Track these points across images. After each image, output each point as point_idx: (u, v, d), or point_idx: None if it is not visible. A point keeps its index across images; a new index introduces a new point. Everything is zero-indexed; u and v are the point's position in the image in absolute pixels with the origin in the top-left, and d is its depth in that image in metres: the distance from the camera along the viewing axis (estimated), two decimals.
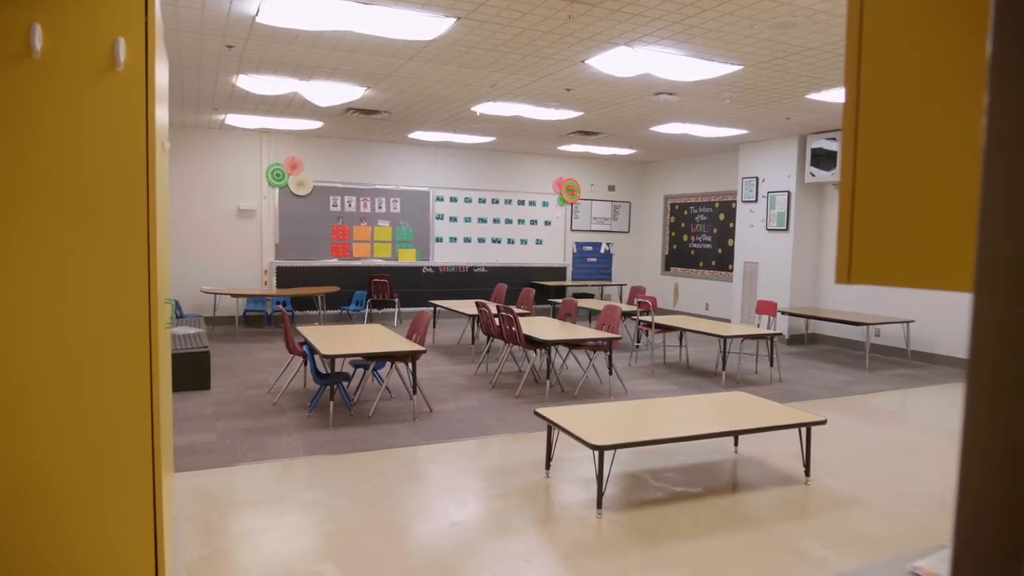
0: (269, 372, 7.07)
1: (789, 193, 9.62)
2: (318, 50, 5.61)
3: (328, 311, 10.79)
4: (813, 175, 9.23)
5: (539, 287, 12.14)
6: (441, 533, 3.41)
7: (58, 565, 2.22)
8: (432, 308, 10.19)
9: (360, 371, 6.43)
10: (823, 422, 4.10)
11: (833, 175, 8.96)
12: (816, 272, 9.86)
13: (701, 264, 11.88)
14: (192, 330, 7.22)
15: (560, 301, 8.79)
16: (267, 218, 10.41)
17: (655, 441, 3.62)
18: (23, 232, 2.12)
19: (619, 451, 4.65)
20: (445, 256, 11.64)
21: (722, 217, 11.40)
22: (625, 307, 8.29)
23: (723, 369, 7.13)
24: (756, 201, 10.16)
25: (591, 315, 11.29)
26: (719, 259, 11.47)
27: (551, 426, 4.03)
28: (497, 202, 12.00)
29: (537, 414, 4.07)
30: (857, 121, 0.82)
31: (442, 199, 11.56)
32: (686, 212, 12.19)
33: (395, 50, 5.57)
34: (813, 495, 4.05)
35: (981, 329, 0.43)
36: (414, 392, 5.71)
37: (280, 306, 10.18)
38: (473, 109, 7.98)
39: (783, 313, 8.90)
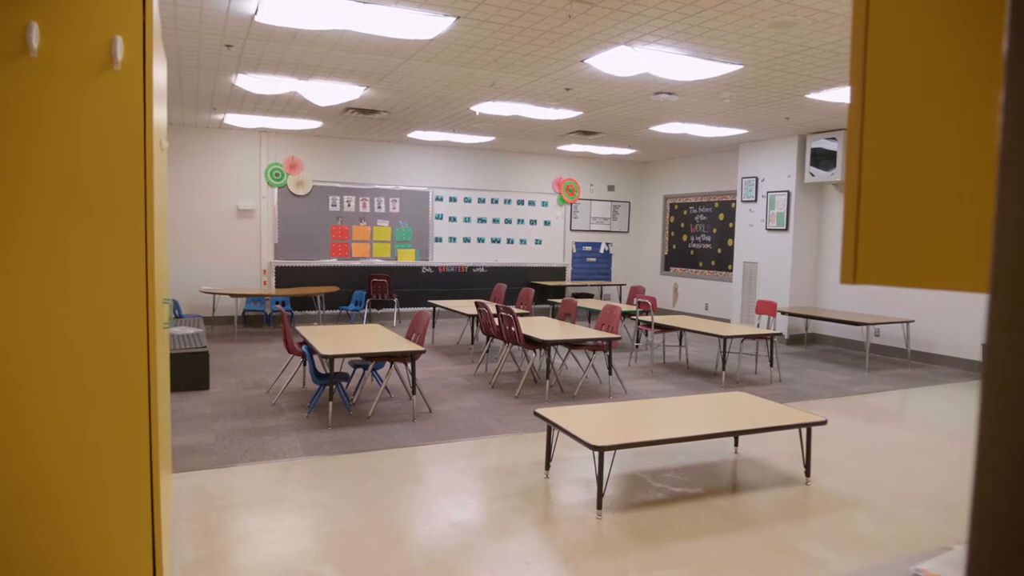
0: (268, 372, 7.06)
1: (789, 193, 9.61)
2: (317, 49, 5.60)
3: (327, 311, 10.78)
4: (813, 175, 9.23)
5: (538, 287, 12.13)
6: (440, 534, 3.40)
7: (55, 565, 2.21)
8: (431, 308, 10.19)
9: (359, 371, 6.42)
10: (823, 422, 4.09)
11: (833, 175, 8.96)
12: (816, 272, 9.85)
13: (701, 264, 11.87)
14: (191, 330, 7.21)
15: (560, 301, 8.78)
16: (266, 218, 10.40)
17: (655, 442, 3.61)
18: (19, 232, 2.10)
19: (619, 451, 4.64)
20: (444, 256, 11.63)
21: (722, 217, 11.39)
22: (625, 307, 8.28)
23: (723, 369, 7.13)
24: (756, 201, 10.15)
25: (591, 315, 11.29)
26: (719, 259, 11.46)
27: (551, 426, 4.02)
28: (496, 202, 11.99)
29: (537, 414, 4.06)
30: (863, 120, 0.81)
31: (441, 199, 11.55)
32: (686, 212, 12.18)
33: (394, 49, 5.56)
34: (813, 496, 4.04)
35: (997, 329, 0.42)
36: (413, 392, 5.70)
37: (279, 306, 10.16)
38: (472, 109, 7.97)
39: (783, 313, 8.90)
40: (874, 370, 7.95)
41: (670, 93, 6.91)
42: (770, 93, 6.85)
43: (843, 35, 4.90)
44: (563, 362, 7.80)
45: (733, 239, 10.98)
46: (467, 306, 8.55)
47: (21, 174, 2.09)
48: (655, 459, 4.62)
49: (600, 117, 8.36)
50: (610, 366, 6.42)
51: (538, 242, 12.38)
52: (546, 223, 12.44)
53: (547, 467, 4.32)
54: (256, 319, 10.38)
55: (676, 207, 12.42)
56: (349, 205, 10.90)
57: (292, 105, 8.07)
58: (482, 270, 11.90)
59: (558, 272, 12.55)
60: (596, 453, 3.56)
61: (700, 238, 11.88)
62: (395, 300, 11.00)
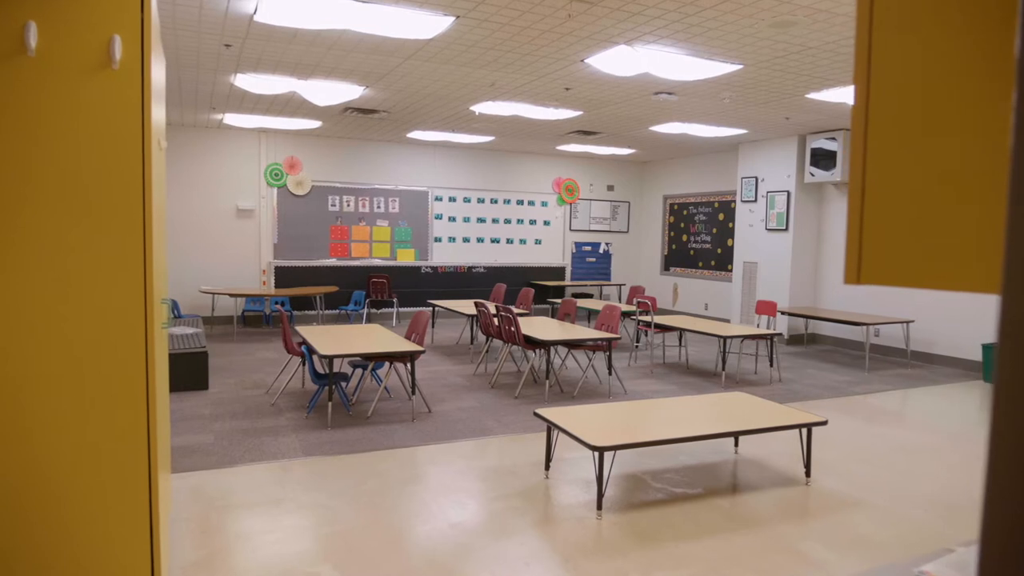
0: (267, 372, 7.05)
1: (788, 193, 9.61)
2: (316, 49, 5.59)
3: (326, 311, 10.77)
4: (813, 175, 9.22)
5: (538, 287, 12.13)
6: (440, 535, 3.39)
7: (55, 565, 2.20)
8: (431, 308, 10.18)
9: (359, 371, 6.42)
10: (824, 423, 4.08)
11: (833, 175, 8.95)
12: (816, 272, 9.85)
13: (700, 264, 11.87)
14: (190, 330, 7.20)
15: (559, 301, 8.77)
16: (265, 218, 10.39)
17: (655, 442, 3.60)
18: (17, 231, 2.09)
19: (619, 452, 4.63)
20: (444, 256, 11.63)
21: (721, 217, 11.39)
22: (624, 307, 8.27)
23: (723, 369, 7.12)
24: (755, 201, 10.15)
25: (590, 315, 11.28)
26: (718, 259, 11.45)
27: (550, 427, 4.01)
28: (496, 202, 11.99)
29: (536, 415, 4.06)
30: (867, 120, 0.81)
31: (441, 199, 11.54)
32: (685, 212, 12.18)
33: (393, 49, 5.55)
34: (814, 496, 4.03)
35: (1008, 329, 0.41)
36: (413, 392, 5.69)
37: (278, 306, 10.15)
38: (472, 108, 7.96)
39: (782, 313, 8.89)
40: (874, 370, 7.94)
41: (670, 93, 6.90)
42: (770, 93, 6.84)
43: (843, 35, 4.90)
44: (563, 362, 7.79)
45: (733, 239, 10.98)
46: (467, 306, 8.54)
47: (18, 174, 2.08)
48: (655, 459, 4.61)
49: (600, 117, 8.35)
50: (610, 366, 6.41)
51: (538, 242, 12.37)
52: (546, 223, 12.43)
53: (547, 467, 4.31)
54: (255, 319, 10.37)
55: (676, 207, 12.41)
56: (348, 205, 10.89)
57: (291, 105, 8.06)
58: (482, 270, 11.89)
59: (558, 272, 12.55)
60: (596, 453, 3.55)
61: (700, 238, 11.87)
62: (394, 300, 10.99)
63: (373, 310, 11.09)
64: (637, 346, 9.05)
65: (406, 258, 11.33)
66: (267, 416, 5.42)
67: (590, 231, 12.84)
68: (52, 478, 2.18)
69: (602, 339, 6.27)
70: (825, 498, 4.00)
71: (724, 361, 7.08)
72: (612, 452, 4.44)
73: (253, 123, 9.45)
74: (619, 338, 6.55)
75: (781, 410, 4.31)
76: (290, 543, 3.26)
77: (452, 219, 11.64)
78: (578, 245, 12.74)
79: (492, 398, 6.17)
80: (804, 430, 4.19)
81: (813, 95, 6.86)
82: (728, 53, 5.43)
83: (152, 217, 2.24)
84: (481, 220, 11.89)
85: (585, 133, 9.64)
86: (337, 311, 10.84)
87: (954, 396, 6.76)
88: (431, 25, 4.82)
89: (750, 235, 10.28)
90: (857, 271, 0.82)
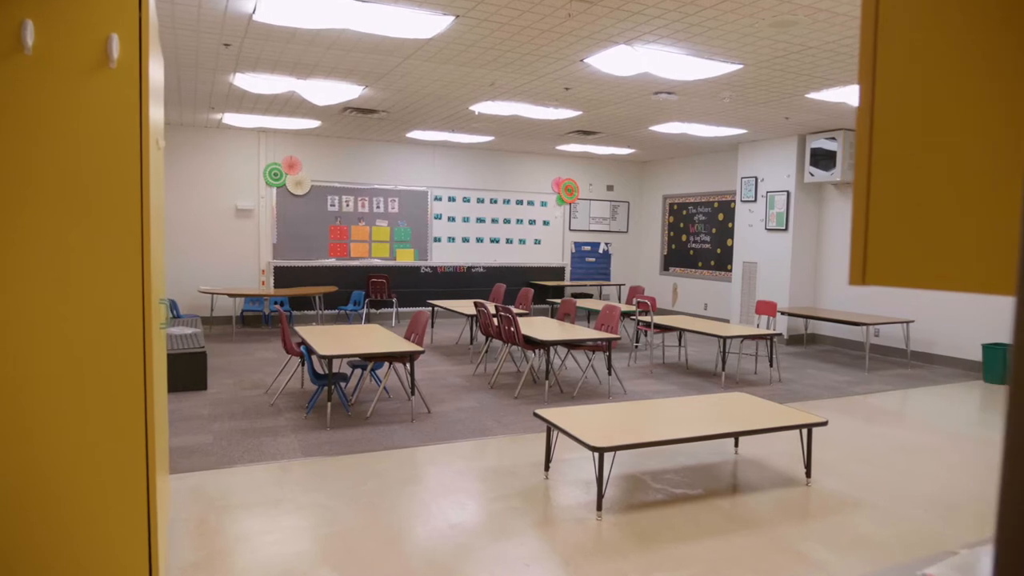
0: (266, 372, 7.04)
1: (788, 193, 9.60)
2: (315, 48, 5.58)
3: (326, 311, 10.76)
4: (812, 175, 9.21)
5: (538, 287, 12.12)
6: (440, 535, 3.38)
7: (54, 565, 2.19)
8: (430, 308, 10.17)
9: (358, 371, 6.41)
10: (824, 423, 4.07)
11: (832, 175, 8.94)
12: (815, 272, 9.84)
13: (700, 264, 11.86)
14: (189, 330, 7.19)
15: (559, 301, 8.77)
16: (265, 218, 10.38)
17: (655, 443, 3.59)
18: (13, 231, 2.08)
19: (619, 452, 4.63)
20: (443, 256, 11.62)
21: (721, 217, 11.38)
22: (624, 307, 8.26)
23: (722, 369, 7.11)
24: (755, 201, 10.14)
25: (590, 315, 11.27)
26: (718, 259, 11.45)
27: (550, 427, 4.00)
28: (495, 202, 11.98)
29: (536, 415, 4.05)
30: (872, 121, 0.80)
31: (440, 199, 11.53)
32: (685, 212, 12.17)
33: (393, 48, 5.54)
34: (814, 497, 4.02)
35: None
36: (412, 393, 5.68)
37: (277, 306, 10.14)
38: (471, 108, 7.95)
39: (782, 313, 8.88)
40: (874, 370, 7.94)
41: (670, 93, 6.90)
42: (770, 93, 6.83)
43: (843, 35, 4.89)
44: (562, 362, 7.78)
45: (732, 239, 10.97)
46: (466, 306, 8.53)
47: (15, 173, 2.07)
48: (655, 460, 4.60)
49: (599, 117, 8.34)
50: (609, 366, 6.40)
51: (537, 242, 12.36)
52: (545, 223, 12.42)
53: (546, 468, 4.30)
54: (254, 319, 10.35)
55: (675, 207, 12.41)
56: (348, 205, 10.88)
57: (291, 104, 8.05)
58: (481, 270, 11.88)
59: (557, 272, 12.54)
60: (596, 454, 3.54)
61: (699, 238, 11.87)
62: (394, 300, 10.98)
63: (372, 310, 11.08)
64: (637, 346, 9.05)
65: (405, 258, 11.32)
66: (266, 416, 5.41)
67: (590, 231, 12.84)
68: (50, 478, 2.17)
69: (602, 339, 6.26)
70: (825, 498, 4.00)
71: (724, 361, 7.07)
72: (612, 453, 4.42)
73: (252, 123, 9.43)
74: (619, 338, 6.54)
75: (781, 410, 4.31)
76: (289, 544, 3.25)
77: (451, 219, 11.64)
78: (577, 245, 12.73)
79: (492, 398, 6.16)
80: (804, 430, 4.18)
81: (813, 95, 6.85)
82: (728, 53, 5.42)
83: (150, 217, 2.23)
84: (480, 220, 11.88)
85: (585, 133, 9.63)
86: (336, 311, 10.83)
87: (954, 396, 6.76)
88: (430, 24, 4.81)
89: (750, 235, 10.27)
90: (862, 272, 0.81)
